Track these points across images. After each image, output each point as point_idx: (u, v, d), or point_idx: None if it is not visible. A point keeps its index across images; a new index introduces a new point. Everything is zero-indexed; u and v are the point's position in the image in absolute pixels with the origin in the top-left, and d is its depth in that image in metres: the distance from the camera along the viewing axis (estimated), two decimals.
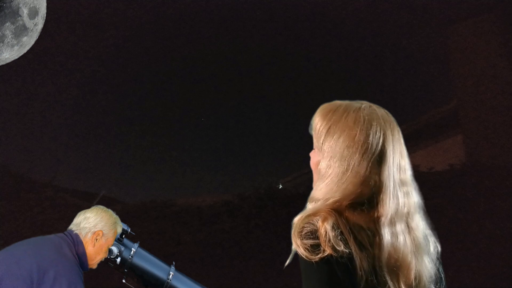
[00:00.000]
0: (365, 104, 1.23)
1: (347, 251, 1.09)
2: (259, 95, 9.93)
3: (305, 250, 1.11)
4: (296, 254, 1.15)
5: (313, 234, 1.12)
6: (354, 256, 1.09)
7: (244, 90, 9.92)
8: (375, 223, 1.14)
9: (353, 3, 9.44)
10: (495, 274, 7.09)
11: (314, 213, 1.15)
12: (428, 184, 7.70)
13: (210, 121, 10.08)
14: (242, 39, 9.91)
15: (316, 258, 1.09)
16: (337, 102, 1.26)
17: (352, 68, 9.73)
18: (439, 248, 1.26)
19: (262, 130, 9.86)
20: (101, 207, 2.57)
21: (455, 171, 8.41)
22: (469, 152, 8.58)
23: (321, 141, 1.23)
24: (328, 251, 1.09)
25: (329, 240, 1.09)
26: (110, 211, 2.57)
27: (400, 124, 1.26)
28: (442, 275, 1.26)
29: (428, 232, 1.24)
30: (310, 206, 1.21)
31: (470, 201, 7.88)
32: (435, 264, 1.22)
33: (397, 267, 1.13)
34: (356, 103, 1.23)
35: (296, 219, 1.18)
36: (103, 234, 2.46)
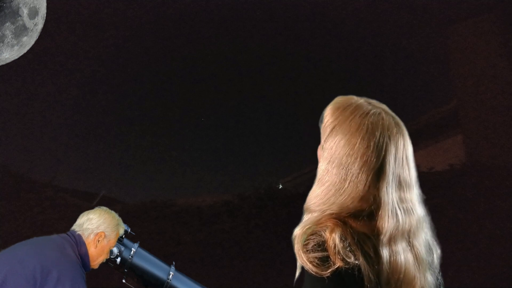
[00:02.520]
0: (375, 109, 1.16)
1: (357, 262, 1.05)
2: (259, 95, 9.93)
3: (313, 265, 1.05)
4: (303, 268, 1.09)
5: (321, 246, 1.06)
6: (362, 268, 1.05)
7: (244, 90, 9.93)
8: (377, 235, 1.11)
9: (353, 3, 9.44)
10: (495, 274, 7.09)
11: (317, 224, 1.11)
12: (428, 184, 7.68)
13: (210, 121, 10.09)
14: (242, 39, 9.92)
15: (327, 273, 1.04)
16: (351, 99, 1.20)
17: (352, 68, 9.73)
18: (439, 252, 1.23)
19: (262, 130, 9.87)
20: (104, 208, 2.58)
21: (455, 171, 8.41)
22: (469, 152, 8.58)
23: (324, 138, 1.19)
24: (338, 263, 1.04)
25: (339, 252, 1.04)
26: (113, 212, 2.57)
27: None
28: (440, 279, 1.24)
29: (431, 240, 1.20)
30: (307, 217, 1.17)
31: (470, 201, 7.88)
32: (436, 274, 1.20)
33: (398, 286, 1.09)
34: (367, 106, 1.17)
35: (298, 232, 1.12)
36: (105, 235, 2.46)
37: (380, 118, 1.14)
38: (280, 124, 9.90)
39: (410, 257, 1.11)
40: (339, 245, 1.05)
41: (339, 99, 1.22)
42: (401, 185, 1.14)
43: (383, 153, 1.11)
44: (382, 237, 1.10)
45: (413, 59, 9.28)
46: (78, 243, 2.41)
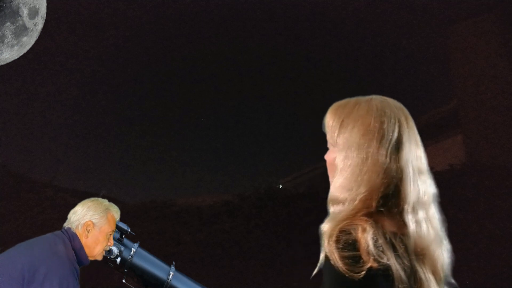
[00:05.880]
0: (375, 95, 1.21)
1: (388, 263, 1.03)
2: (259, 95, 9.94)
3: (345, 265, 1.02)
4: (325, 265, 1.06)
5: (351, 245, 1.04)
6: (393, 268, 1.03)
7: (244, 90, 9.93)
8: (401, 214, 1.10)
9: (353, 3, 9.45)
10: (495, 274, 7.09)
11: (349, 221, 1.08)
12: None
13: (210, 121, 10.09)
14: (242, 39, 9.92)
15: (360, 274, 1.01)
16: (347, 98, 1.23)
17: (352, 68, 9.74)
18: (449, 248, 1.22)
19: (262, 130, 9.87)
20: (89, 198, 2.58)
21: (455, 171, 8.41)
22: (469, 152, 8.59)
23: (335, 136, 1.18)
24: (370, 264, 1.02)
25: (371, 253, 1.02)
26: (99, 199, 2.56)
27: None
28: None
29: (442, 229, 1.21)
30: (335, 209, 1.14)
31: (470, 201, 7.88)
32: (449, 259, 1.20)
33: (423, 255, 1.09)
34: (365, 96, 1.22)
35: (326, 228, 1.09)
36: (94, 223, 2.45)
37: (383, 99, 1.20)
38: (280, 124, 9.91)
39: (430, 229, 1.13)
40: (371, 245, 1.03)
41: (335, 103, 1.24)
42: (417, 156, 1.16)
43: (397, 124, 1.14)
44: (406, 207, 1.10)
45: (413, 59, 9.29)
46: (71, 237, 2.42)
